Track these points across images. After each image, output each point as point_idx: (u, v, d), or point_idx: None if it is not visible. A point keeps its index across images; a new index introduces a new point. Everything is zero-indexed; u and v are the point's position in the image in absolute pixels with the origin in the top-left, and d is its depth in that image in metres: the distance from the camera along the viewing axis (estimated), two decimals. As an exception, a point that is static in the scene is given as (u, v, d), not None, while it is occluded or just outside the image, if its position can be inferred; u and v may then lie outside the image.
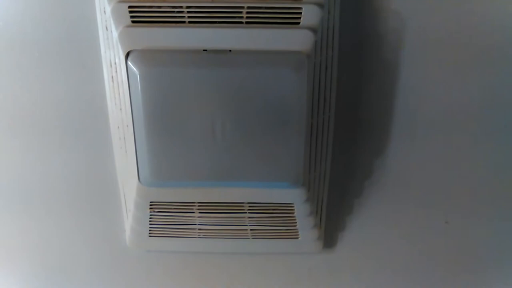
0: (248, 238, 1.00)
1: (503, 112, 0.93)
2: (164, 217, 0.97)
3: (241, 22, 0.81)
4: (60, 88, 0.92)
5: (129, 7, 0.80)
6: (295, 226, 0.98)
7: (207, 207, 0.96)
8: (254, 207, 0.96)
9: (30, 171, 1.00)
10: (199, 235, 0.99)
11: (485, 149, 0.97)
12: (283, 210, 0.96)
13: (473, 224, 1.04)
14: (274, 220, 0.97)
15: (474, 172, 0.99)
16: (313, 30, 0.81)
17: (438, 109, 0.93)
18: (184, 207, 0.96)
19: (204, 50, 0.82)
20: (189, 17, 0.81)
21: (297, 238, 0.99)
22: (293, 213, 0.96)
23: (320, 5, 0.80)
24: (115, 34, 0.82)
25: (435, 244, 1.06)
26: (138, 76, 0.82)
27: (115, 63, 0.85)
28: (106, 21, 0.83)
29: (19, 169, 1.00)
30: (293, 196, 0.93)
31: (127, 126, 0.88)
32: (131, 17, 0.81)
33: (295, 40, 0.82)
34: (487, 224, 1.04)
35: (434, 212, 1.03)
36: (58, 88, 0.92)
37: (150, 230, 0.99)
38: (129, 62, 0.82)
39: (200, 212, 0.97)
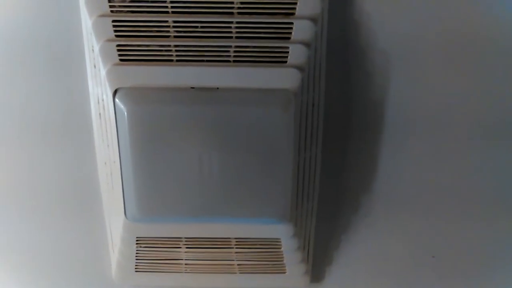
0: (235, 273, 0.99)
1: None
2: (151, 252, 0.97)
3: (229, 61, 0.82)
4: (47, 124, 0.93)
5: (117, 45, 0.81)
6: (282, 261, 0.98)
7: (194, 243, 0.96)
8: (241, 242, 0.96)
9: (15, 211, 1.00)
10: (185, 270, 0.99)
11: (472, 181, 0.98)
12: (270, 245, 0.96)
13: (460, 259, 1.04)
14: (261, 255, 0.97)
15: (461, 209, 1.00)
16: (300, 68, 0.82)
17: (425, 146, 0.94)
18: (171, 242, 0.96)
19: (191, 87, 0.83)
20: (176, 55, 0.81)
21: (284, 273, 0.99)
22: (280, 248, 0.96)
23: (307, 44, 0.81)
24: (103, 71, 0.82)
25: (422, 278, 1.06)
26: (125, 113, 0.82)
27: (103, 100, 0.85)
28: (94, 59, 0.83)
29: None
30: (280, 231, 0.94)
31: (114, 162, 0.88)
32: (119, 55, 0.81)
33: (282, 78, 0.82)
34: (475, 258, 1.04)
35: (421, 247, 1.03)
36: (44, 123, 0.93)
37: (136, 265, 0.99)
38: (116, 100, 0.82)
39: (186, 247, 0.96)
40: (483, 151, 0.95)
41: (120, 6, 0.79)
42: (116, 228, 0.95)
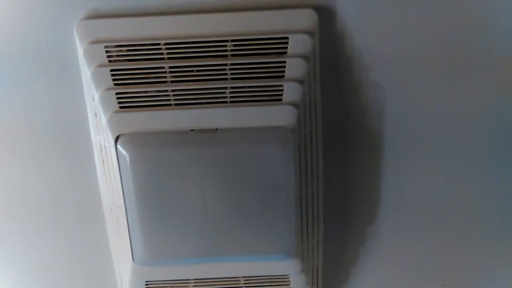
0: (246, 312, 0.99)
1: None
2: (161, 296, 0.97)
3: (226, 102, 0.84)
4: (53, 173, 0.94)
5: (117, 93, 0.83)
6: (292, 297, 0.97)
7: (203, 284, 0.96)
8: (249, 281, 0.95)
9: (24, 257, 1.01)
10: (196, 311, 0.99)
11: (479, 208, 0.98)
12: (279, 282, 0.96)
13: (471, 285, 1.03)
14: (271, 292, 0.97)
15: (468, 235, 0.99)
16: (295, 105, 0.84)
17: (426, 170, 0.95)
18: (180, 284, 0.96)
19: (191, 130, 0.85)
20: (174, 99, 0.83)
21: (295, 309, 0.99)
22: (289, 284, 0.96)
23: (300, 81, 0.83)
24: (104, 119, 0.84)
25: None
26: (128, 159, 0.84)
27: (105, 147, 0.87)
28: (95, 107, 0.85)
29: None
30: (288, 267, 0.93)
31: (119, 207, 0.89)
32: (119, 103, 0.83)
33: (278, 116, 0.84)
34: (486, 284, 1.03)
35: (431, 275, 1.02)
36: (50, 173, 0.95)
37: (147, 309, 0.99)
38: (118, 146, 0.84)
39: (196, 289, 0.96)
40: (491, 169, 0.95)
41: (117, 56, 0.82)
42: (124, 273, 0.96)
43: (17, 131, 0.91)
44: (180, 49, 0.82)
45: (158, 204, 0.86)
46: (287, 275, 0.94)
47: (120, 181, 0.86)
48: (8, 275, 1.03)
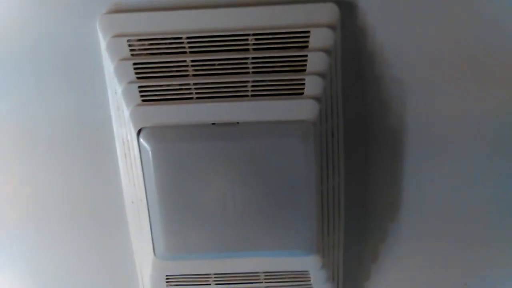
0: (266, 308, 0.99)
1: None
2: (181, 290, 0.97)
3: (247, 95, 0.84)
4: (75, 167, 0.96)
5: (139, 87, 0.84)
6: (312, 294, 0.97)
7: (224, 278, 0.96)
8: (270, 276, 0.95)
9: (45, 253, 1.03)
10: (216, 306, 0.99)
11: (500, 207, 0.96)
12: (299, 278, 0.95)
13: (492, 286, 1.02)
14: (291, 288, 0.97)
15: (490, 234, 0.98)
16: (317, 99, 0.84)
17: (448, 168, 0.94)
18: (200, 279, 0.96)
19: (212, 123, 0.85)
20: (196, 93, 0.84)
21: (315, 305, 0.98)
22: (309, 280, 0.95)
23: (322, 75, 0.83)
24: (126, 113, 0.85)
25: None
26: (150, 152, 0.84)
27: (128, 140, 0.88)
28: (117, 101, 0.86)
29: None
30: (308, 263, 0.93)
31: (141, 201, 0.90)
32: (141, 96, 0.84)
33: (300, 110, 0.84)
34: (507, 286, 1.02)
35: (453, 274, 1.01)
36: (73, 167, 0.96)
37: (167, 304, 0.99)
38: (141, 139, 0.85)
39: (216, 284, 0.96)
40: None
41: (139, 50, 0.83)
42: (145, 267, 0.96)
43: (39, 126, 0.93)
44: (202, 43, 0.83)
45: (179, 197, 0.87)
46: (307, 271, 0.94)
47: (142, 174, 0.87)
48: (28, 268, 1.04)
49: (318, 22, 0.82)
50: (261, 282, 0.96)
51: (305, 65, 0.83)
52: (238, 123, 0.85)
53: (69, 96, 0.90)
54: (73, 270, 1.04)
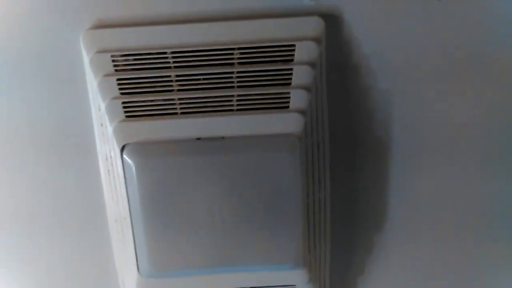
0: (253, 323, 0.98)
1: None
2: (166, 309, 0.96)
3: (232, 110, 0.84)
4: (57, 183, 0.94)
5: (123, 103, 0.83)
6: (299, 308, 0.97)
7: (209, 295, 0.95)
8: (257, 292, 0.95)
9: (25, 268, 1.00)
10: (202, 324, 0.98)
11: (489, 215, 0.98)
12: (287, 293, 0.95)
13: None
14: (278, 303, 0.96)
15: (477, 243, 0.99)
16: (302, 112, 0.84)
17: (434, 177, 0.95)
18: (186, 297, 0.95)
19: (197, 138, 0.84)
20: (181, 108, 0.83)
21: (302, 320, 0.98)
22: (297, 295, 0.95)
23: (307, 89, 0.83)
24: (110, 129, 0.84)
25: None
26: (133, 168, 0.83)
27: (111, 157, 0.87)
28: (101, 117, 0.85)
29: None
30: (295, 277, 0.92)
31: (125, 218, 0.88)
32: (125, 112, 0.83)
33: (285, 123, 0.84)
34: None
35: (439, 285, 1.02)
36: (54, 183, 0.94)
37: (152, 323, 0.97)
38: (124, 155, 0.84)
39: (202, 301, 0.95)
40: (501, 175, 0.95)
41: (123, 65, 0.82)
42: (129, 285, 0.95)
43: (22, 140, 0.91)
44: (187, 57, 0.82)
45: (164, 213, 0.86)
46: (294, 286, 0.94)
47: (125, 191, 0.86)
48: (10, 285, 1.02)
49: (303, 35, 0.82)
50: (248, 298, 0.95)
51: (290, 78, 0.83)
52: (223, 137, 0.84)
53: (52, 111, 0.89)
54: (56, 286, 1.02)
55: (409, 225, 0.98)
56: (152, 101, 0.83)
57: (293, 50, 0.82)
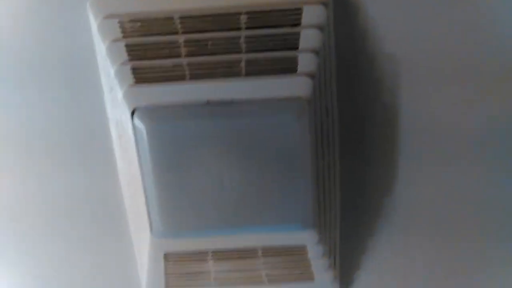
0: (264, 283, 1.00)
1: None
2: (179, 268, 0.98)
3: (240, 74, 0.84)
4: (70, 154, 0.96)
5: (132, 67, 0.83)
6: (309, 268, 0.98)
7: (221, 255, 0.97)
8: (267, 251, 0.96)
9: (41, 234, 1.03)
10: (215, 283, 1.00)
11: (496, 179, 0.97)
12: (296, 253, 0.96)
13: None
14: (288, 263, 0.97)
15: (486, 205, 0.99)
16: (311, 76, 0.83)
17: (445, 141, 0.94)
18: (198, 256, 0.97)
19: (206, 102, 0.85)
20: (189, 72, 0.84)
21: (313, 280, 0.99)
22: (306, 255, 0.96)
23: (315, 52, 0.83)
24: (119, 94, 0.85)
25: (453, 279, 1.05)
26: (144, 132, 0.84)
27: (122, 122, 0.88)
28: (110, 83, 0.86)
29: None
30: (305, 238, 0.94)
31: (137, 181, 0.90)
32: (134, 77, 0.84)
33: (294, 87, 0.84)
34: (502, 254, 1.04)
35: (449, 245, 1.02)
36: (67, 152, 0.96)
37: (166, 282, 1.00)
38: (135, 120, 0.85)
39: (214, 260, 0.97)
40: (507, 179, 0.96)
41: (131, 31, 0.82)
42: (143, 247, 0.97)
43: (31, 109, 0.93)
44: (194, 22, 0.82)
45: (175, 176, 0.87)
46: (304, 246, 0.95)
47: (137, 155, 0.87)
48: (23, 262, 1.06)
49: (311, -1, 0.81)
50: (259, 257, 0.97)
51: (298, 42, 0.82)
52: (232, 101, 0.85)
53: (60, 78, 0.90)
54: (68, 251, 1.05)
55: (420, 187, 0.98)
56: (160, 65, 0.83)
57: (300, 13, 0.81)
